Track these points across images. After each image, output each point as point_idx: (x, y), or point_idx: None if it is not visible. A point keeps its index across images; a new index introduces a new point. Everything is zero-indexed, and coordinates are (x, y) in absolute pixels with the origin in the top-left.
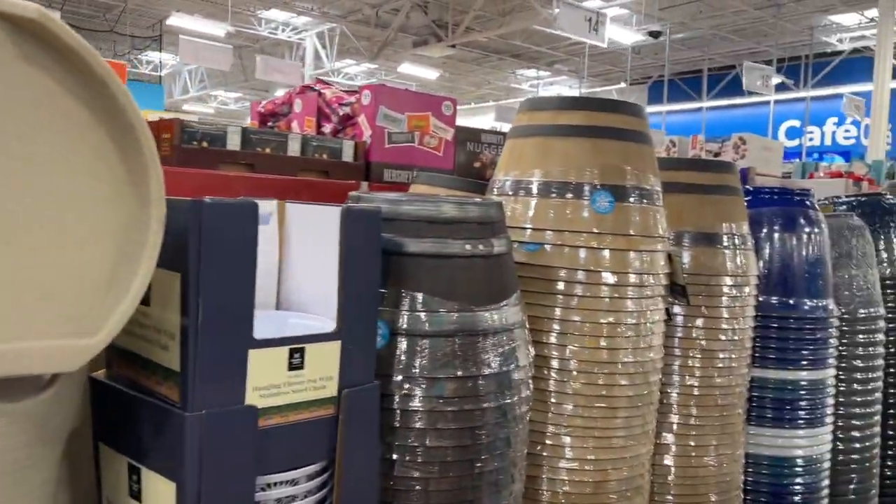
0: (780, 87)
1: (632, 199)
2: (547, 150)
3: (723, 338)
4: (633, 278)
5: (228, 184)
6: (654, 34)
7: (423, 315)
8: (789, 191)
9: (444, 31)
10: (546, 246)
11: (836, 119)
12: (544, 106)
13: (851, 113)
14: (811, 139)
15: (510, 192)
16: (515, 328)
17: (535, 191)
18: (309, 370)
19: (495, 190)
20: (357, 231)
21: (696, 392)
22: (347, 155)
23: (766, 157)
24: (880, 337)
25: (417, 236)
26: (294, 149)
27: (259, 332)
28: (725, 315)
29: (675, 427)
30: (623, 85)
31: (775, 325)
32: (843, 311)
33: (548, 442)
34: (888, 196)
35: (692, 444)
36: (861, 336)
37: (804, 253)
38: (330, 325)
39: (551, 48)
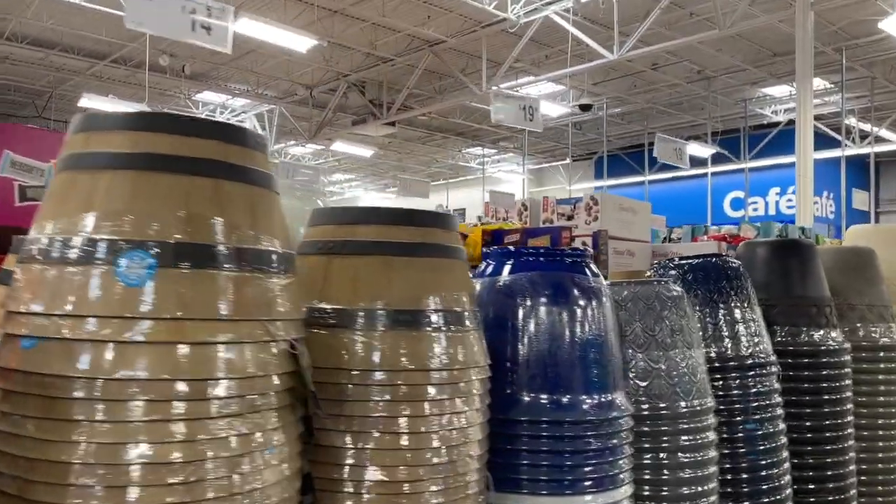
0: (720, 159)
1: (215, 264)
2: (67, 191)
3: (435, 460)
4: (218, 389)
5: None
6: (584, 107)
7: None
8: (557, 252)
9: (381, 111)
10: (48, 341)
11: (778, 189)
12: (83, 126)
13: (667, 157)
14: (755, 209)
15: (24, 258)
16: None
17: (39, 252)
18: None
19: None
20: None
21: None
22: None
23: (627, 220)
24: (710, 436)
25: None
26: None
27: None
28: (436, 427)
29: None
30: (568, 161)
31: (545, 435)
32: (663, 406)
33: None
34: (729, 259)
35: None
36: (686, 438)
37: (577, 332)
38: None
39: (493, 126)
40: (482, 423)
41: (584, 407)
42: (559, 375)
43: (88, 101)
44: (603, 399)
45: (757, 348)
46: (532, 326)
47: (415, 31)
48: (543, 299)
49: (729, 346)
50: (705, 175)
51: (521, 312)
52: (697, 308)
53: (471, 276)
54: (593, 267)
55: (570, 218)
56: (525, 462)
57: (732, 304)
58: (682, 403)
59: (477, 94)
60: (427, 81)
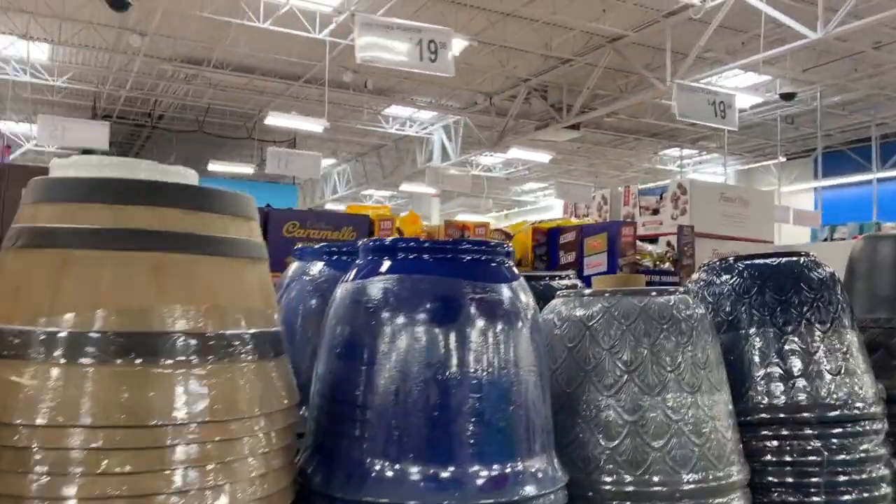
0: None
1: None
2: None
3: None
4: None
5: None
6: (787, 96)
7: None
8: (448, 247)
9: (563, 115)
10: None
11: None
12: None
13: (696, 114)
14: None
15: None
16: None
17: None
18: None
19: None
20: None
21: None
22: None
23: (733, 214)
24: None
25: None
26: None
27: None
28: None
29: None
30: (782, 159)
31: None
32: (656, 480)
33: None
34: (812, 261)
35: None
36: None
37: (470, 368)
38: None
39: (690, 124)
40: (260, 499)
41: (478, 483)
42: (437, 434)
43: (273, 120)
44: (509, 470)
45: (847, 393)
46: (398, 357)
47: (591, 27)
48: (420, 316)
49: (800, 388)
50: None
51: (383, 336)
52: (753, 330)
53: (270, 278)
54: (509, 269)
55: (655, 212)
56: None
57: (809, 327)
58: (692, 477)
59: (661, 90)
60: (610, 80)
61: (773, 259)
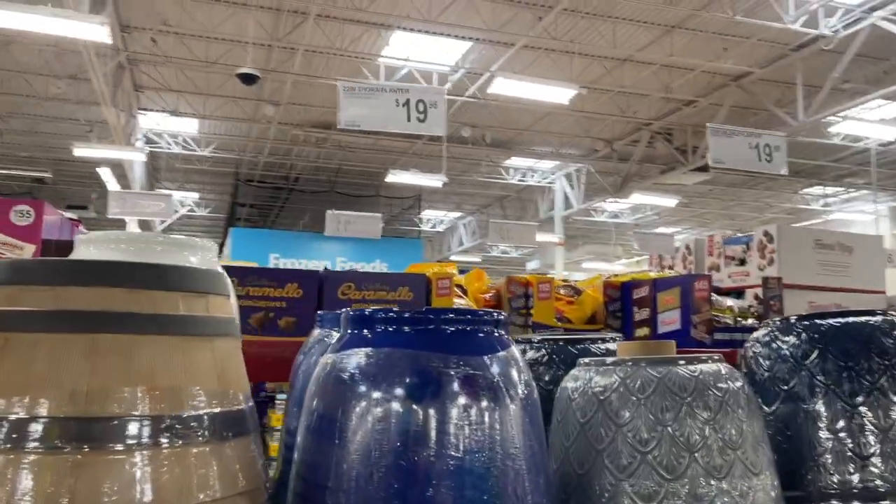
0: None
1: None
2: None
3: None
4: None
5: None
6: None
7: None
8: (431, 317)
9: (689, 157)
10: None
11: None
12: None
13: (729, 160)
14: None
15: None
16: None
17: None
18: None
19: None
20: None
21: None
22: None
23: (832, 262)
24: None
25: None
26: None
27: None
28: None
29: None
30: None
31: None
32: None
33: None
34: (881, 316)
35: None
36: None
37: (446, 452)
38: None
39: (834, 161)
40: None
41: None
42: None
43: (394, 178)
44: None
45: None
46: (363, 439)
47: (712, 66)
48: (389, 394)
49: (875, 471)
50: None
51: (350, 414)
52: (815, 401)
53: (235, 357)
54: (499, 339)
55: (741, 262)
56: None
57: (883, 399)
58: None
59: (794, 126)
60: (738, 119)
61: (838, 319)
